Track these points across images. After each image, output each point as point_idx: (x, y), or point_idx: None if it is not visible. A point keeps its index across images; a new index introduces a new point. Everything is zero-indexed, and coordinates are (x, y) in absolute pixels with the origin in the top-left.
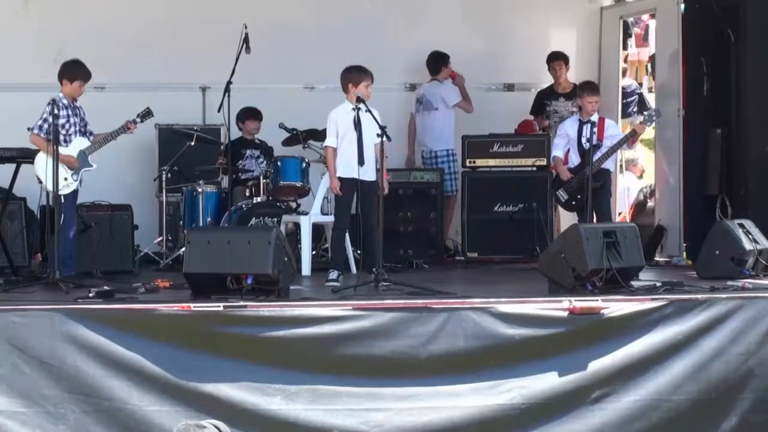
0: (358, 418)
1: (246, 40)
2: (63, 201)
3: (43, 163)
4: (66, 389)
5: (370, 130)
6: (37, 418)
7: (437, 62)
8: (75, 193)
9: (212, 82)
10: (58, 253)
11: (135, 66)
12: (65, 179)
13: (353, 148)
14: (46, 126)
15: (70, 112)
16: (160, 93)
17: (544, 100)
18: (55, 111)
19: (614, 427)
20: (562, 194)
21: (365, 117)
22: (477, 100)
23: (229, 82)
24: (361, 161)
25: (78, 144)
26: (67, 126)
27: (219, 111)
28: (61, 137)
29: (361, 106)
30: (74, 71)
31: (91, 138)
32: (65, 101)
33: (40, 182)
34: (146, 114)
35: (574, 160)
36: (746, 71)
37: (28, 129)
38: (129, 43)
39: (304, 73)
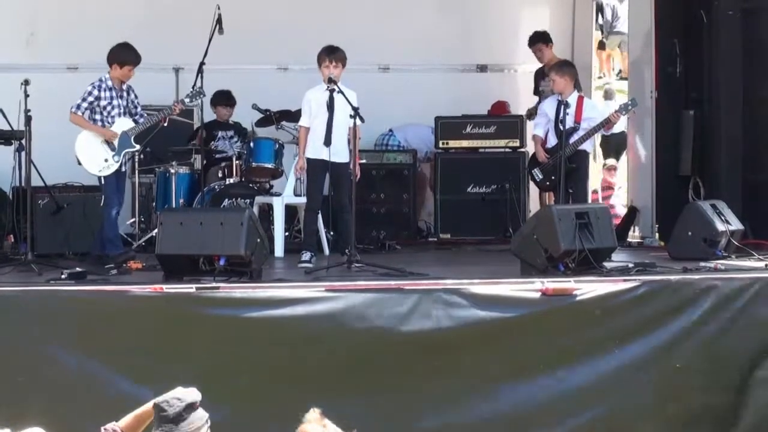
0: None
1: (219, 20)
2: (103, 181)
3: (83, 143)
4: (36, 372)
5: (343, 112)
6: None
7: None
8: (119, 173)
9: (185, 63)
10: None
11: (108, 47)
12: (105, 160)
13: (323, 129)
14: (85, 105)
15: (113, 94)
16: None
17: (539, 80)
18: (96, 93)
19: (577, 401)
20: (538, 173)
21: (338, 98)
22: (450, 81)
23: (202, 63)
24: (327, 142)
25: (120, 124)
26: (108, 108)
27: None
28: (103, 117)
29: (334, 87)
30: (125, 55)
31: (141, 121)
32: (109, 83)
33: (80, 163)
34: (197, 94)
35: (552, 140)
36: (718, 53)
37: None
38: (102, 23)
39: (278, 53)
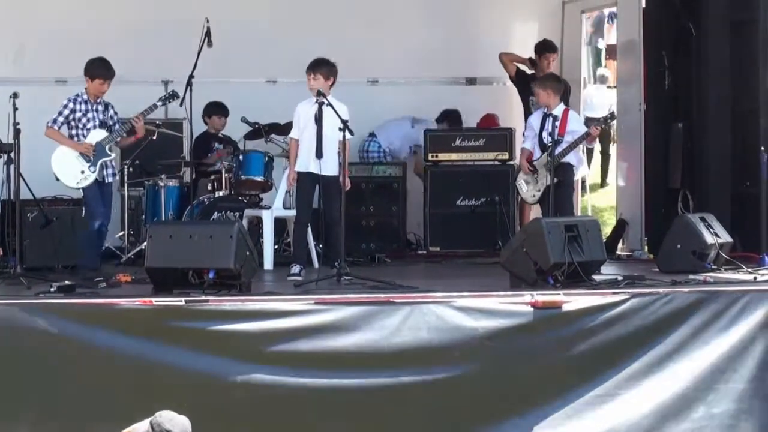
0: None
1: (208, 34)
2: (84, 193)
3: (58, 157)
4: (26, 385)
5: (332, 125)
6: None
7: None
8: (102, 185)
9: (174, 77)
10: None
11: None
12: (82, 172)
13: (312, 142)
14: (61, 119)
15: (89, 107)
16: (122, 87)
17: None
18: (72, 105)
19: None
20: (522, 186)
21: (327, 111)
22: (439, 94)
23: (191, 76)
24: (319, 155)
25: (94, 136)
26: (83, 120)
27: (181, 105)
28: (78, 131)
29: (323, 100)
30: (92, 69)
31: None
32: (85, 96)
33: (57, 179)
34: (170, 96)
35: (537, 153)
36: (707, 65)
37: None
38: (90, 37)
39: (267, 66)
